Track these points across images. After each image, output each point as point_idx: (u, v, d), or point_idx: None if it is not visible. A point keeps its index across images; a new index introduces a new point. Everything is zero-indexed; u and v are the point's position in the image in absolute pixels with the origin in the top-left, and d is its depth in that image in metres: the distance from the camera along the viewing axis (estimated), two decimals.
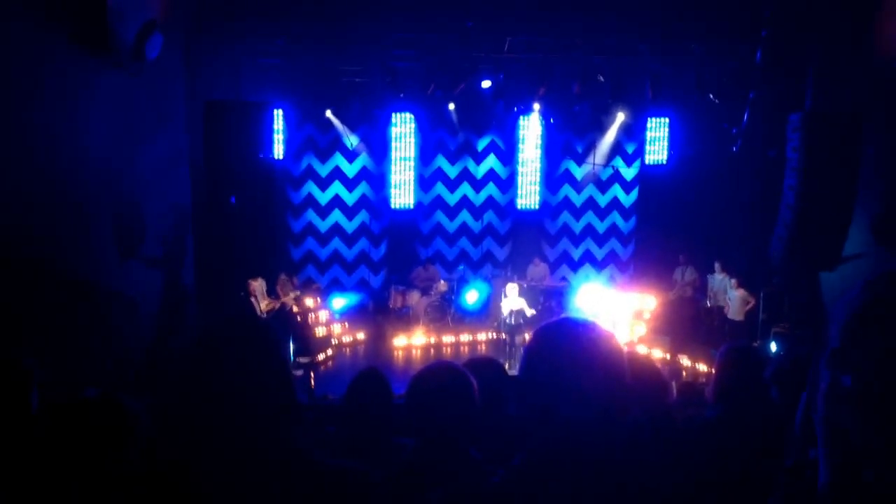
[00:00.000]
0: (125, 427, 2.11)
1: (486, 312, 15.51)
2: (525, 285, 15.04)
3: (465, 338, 14.72)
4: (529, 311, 13.41)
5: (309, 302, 13.97)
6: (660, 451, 2.66)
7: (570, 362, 1.61)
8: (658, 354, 13.77)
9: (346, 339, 14.57)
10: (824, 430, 1.29)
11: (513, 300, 13.25)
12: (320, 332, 13.75)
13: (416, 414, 2.50)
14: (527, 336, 13.55)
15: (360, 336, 14.87)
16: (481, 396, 2.86)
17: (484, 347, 14.62)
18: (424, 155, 17.07)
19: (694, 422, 3.16)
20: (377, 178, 16.95)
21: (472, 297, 15.47)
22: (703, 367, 12.46)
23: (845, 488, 1.27)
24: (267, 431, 1.68)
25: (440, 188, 17.33)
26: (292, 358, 12.41)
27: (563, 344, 1.65)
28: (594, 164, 17.23)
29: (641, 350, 14.18)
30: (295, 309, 13.21)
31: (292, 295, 13.12)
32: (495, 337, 14.62)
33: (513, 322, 13.23)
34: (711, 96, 13.93)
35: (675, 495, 2.21)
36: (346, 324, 14.92)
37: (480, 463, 2.40)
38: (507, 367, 13.06)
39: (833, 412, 1.26)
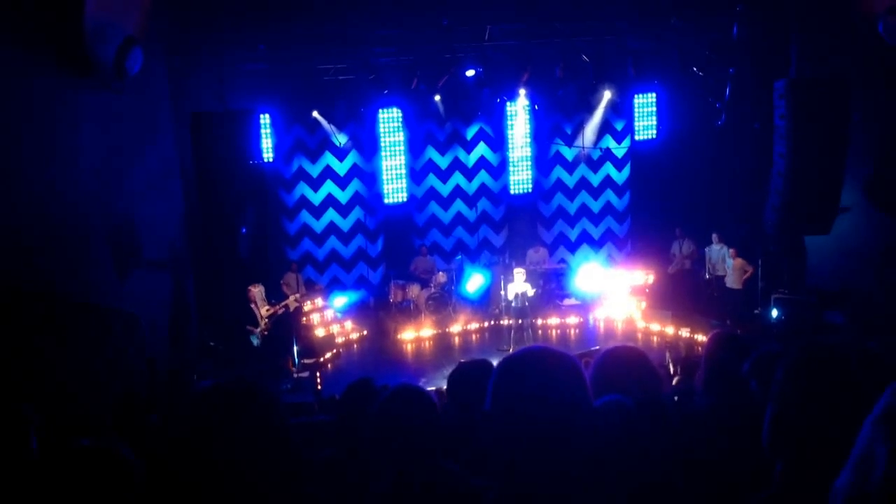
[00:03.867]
0: (119, 479, 2.15)
1: (487, 299, 15.58)
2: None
3: (468, 326, 14.86)
4: (531, 291, 13.51)
5: (311, 303, 14.02)
6: (654, 442, 2.71)
7: (531, 393, 1.70)
8: (659, 328, 13.90)
9: (350, 337, 14.68)
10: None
11: (519, 284, 13.32)
12: (323, 332, 13.82)
13: (384, 437, 2.67)
14: (532, 320, 13.75)
15: (364, 333, 14.97)
16: (472, 400, 2.97)
17: (487, 334, 14.73)
18: (414, 148, 17.07)
19: (685, 411, 3.22)
20: (368, 174, 16.96)
21: (476, 282, 15.50)
22: (704, 339, 12.53)
23: None
24: (266, 497, 1.68)
25: (432, 179, 17.33)
26: (297, 360, 12.48)
27: (525, 376, 1.74)
28: (583, 147, 17.23)
29: (642, 325, 14.32)
30: (300, 308, 13.23)
31: (293, 297, 13.14)
32: (498, 323, 14.75)
33: (520, 305, 13.29)
34: (696, 69, 13.93)
35: (667, 486, 2.27)
36: (349, 322, 15.01)
37: (462, 475, 2.50)
38: (510, 350, 13.07)
39: None
